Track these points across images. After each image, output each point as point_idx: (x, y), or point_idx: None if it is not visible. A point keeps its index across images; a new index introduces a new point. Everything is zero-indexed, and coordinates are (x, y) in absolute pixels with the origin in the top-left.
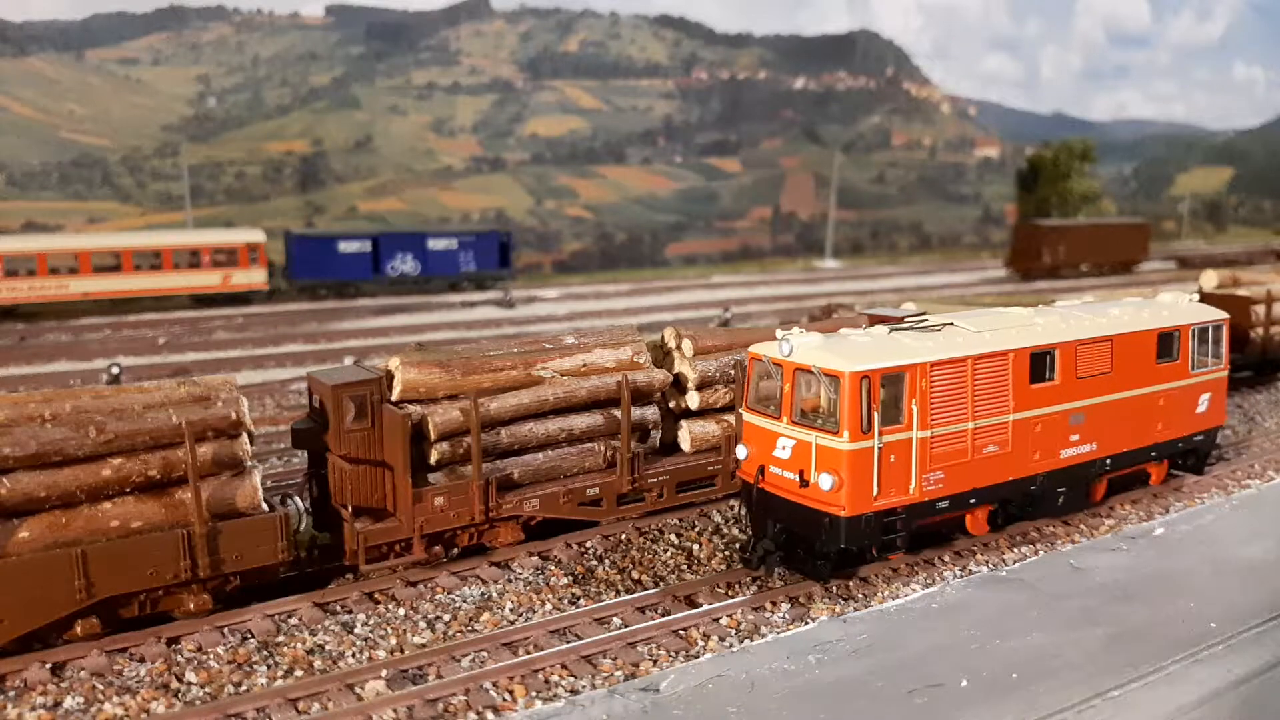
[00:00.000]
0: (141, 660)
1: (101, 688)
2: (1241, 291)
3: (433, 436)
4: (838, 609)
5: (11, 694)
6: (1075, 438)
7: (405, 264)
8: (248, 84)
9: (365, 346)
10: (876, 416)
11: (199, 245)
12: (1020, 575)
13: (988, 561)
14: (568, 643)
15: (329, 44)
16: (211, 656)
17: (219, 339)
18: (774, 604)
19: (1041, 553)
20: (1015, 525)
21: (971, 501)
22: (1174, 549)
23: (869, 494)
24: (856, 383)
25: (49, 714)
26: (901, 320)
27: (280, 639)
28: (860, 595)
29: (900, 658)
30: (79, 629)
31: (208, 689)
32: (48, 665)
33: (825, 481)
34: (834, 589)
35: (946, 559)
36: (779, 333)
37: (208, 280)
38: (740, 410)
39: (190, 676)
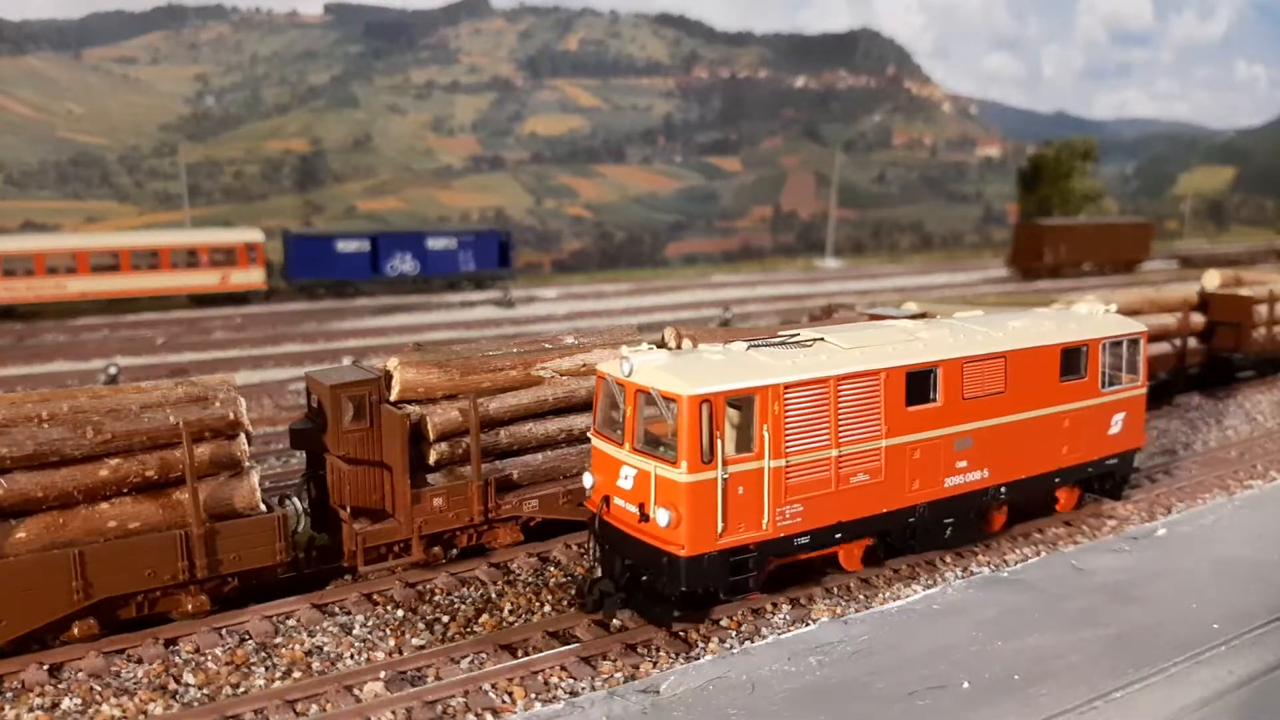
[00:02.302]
0: (139, 661)
1: (99, 689)
2: (1244, 291)
3: (431, 437)
4: (838, 610)
5: (9, 695)
6: (962, 464)
7: (404, 263)
8: (246, 83)
9: (364, 346)
10: (720, 444)
11: (197, 245)
12: (1022, 576)
13: (989, 562)
14: (567, 644)
15: (327, 43)
16: (209, 658)
17: (217, 339)
18: (774, 605)
19: (1043, 553)
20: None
21: (838, 536)
22: (1176, 550)
23: (712, 531)
24: (696, 407)
25: (46, 715)
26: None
27: (278, 640)
28: (861, 596)
29: (901, 659)
30: (76, 630)
31: (206, 690)
32: (45, 666)
33: (662, 517)
34: (834, 589)
35: (948, 560)
36: (624, 349)
37: (206, 280)
38: (590, 434)
39: (188, 678)
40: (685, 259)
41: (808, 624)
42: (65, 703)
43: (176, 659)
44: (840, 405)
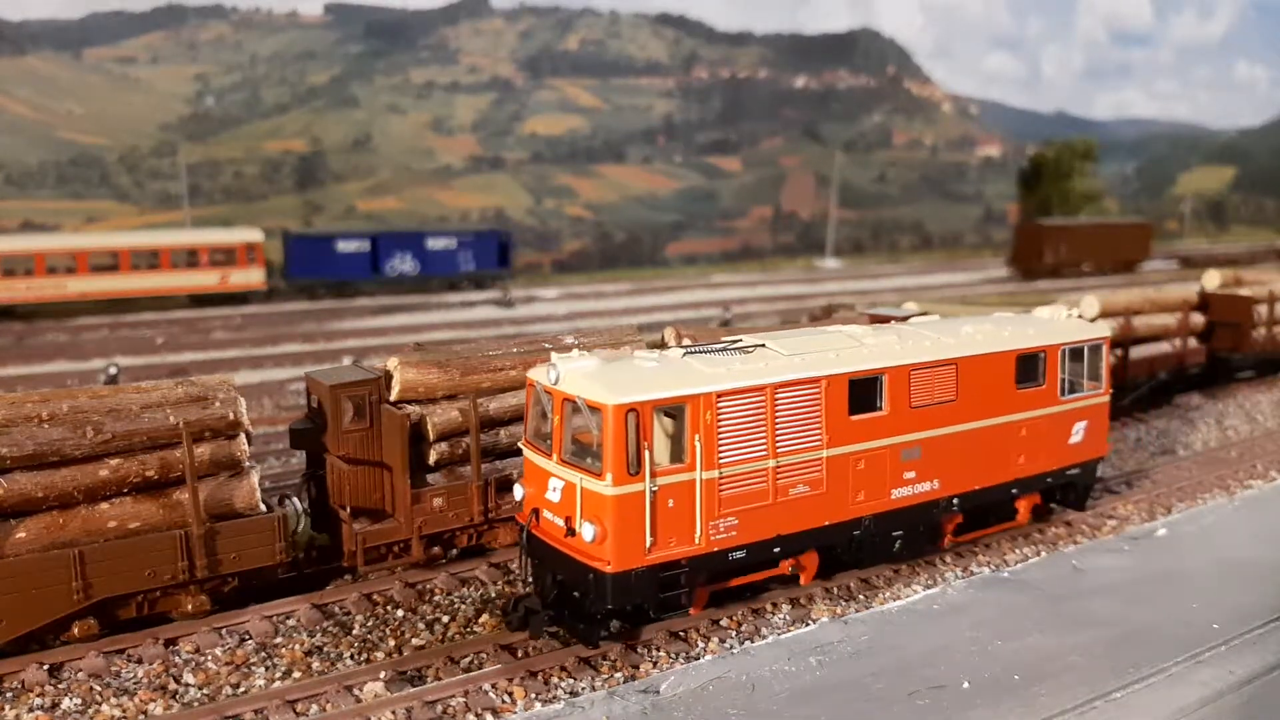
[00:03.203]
0: (139, 661)
1: (99, 689)
2: (1244, 291)
3: (431, 437)
4: (839, 610)
5: (9, 695)
6: (910, 475)
7: (404, 263)
8: (246, 83)
9: (364, 346)
10: (649, 455)
11: (197, 245)
12: (1022, 576)
13: (989, 562)
14: (566, 644)
15: (327, 43)
16: (209, 658)
17: (217, 339)
18: (775, 605)
19: (1044, 554)
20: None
21: (776, 550)
22: (1176, 550)
23: (639, 545)
24: (621, 417)
25: (46, 715)
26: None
27: (278, 640)
28: (861, 596)
29: (901, 659)
30: (76, 630)
31: (206, 690)
32: (45, 666)
33: (588, 531)
34: (835, 589)
35: (948, 560)
36: (554, 355)
37: (206, 280)
38: (521, 444)
39: (188, 678)
40: (685, 259)
41: (808, 624)
42: (65, 703)
43: (176, 659)
44: (778, 414)
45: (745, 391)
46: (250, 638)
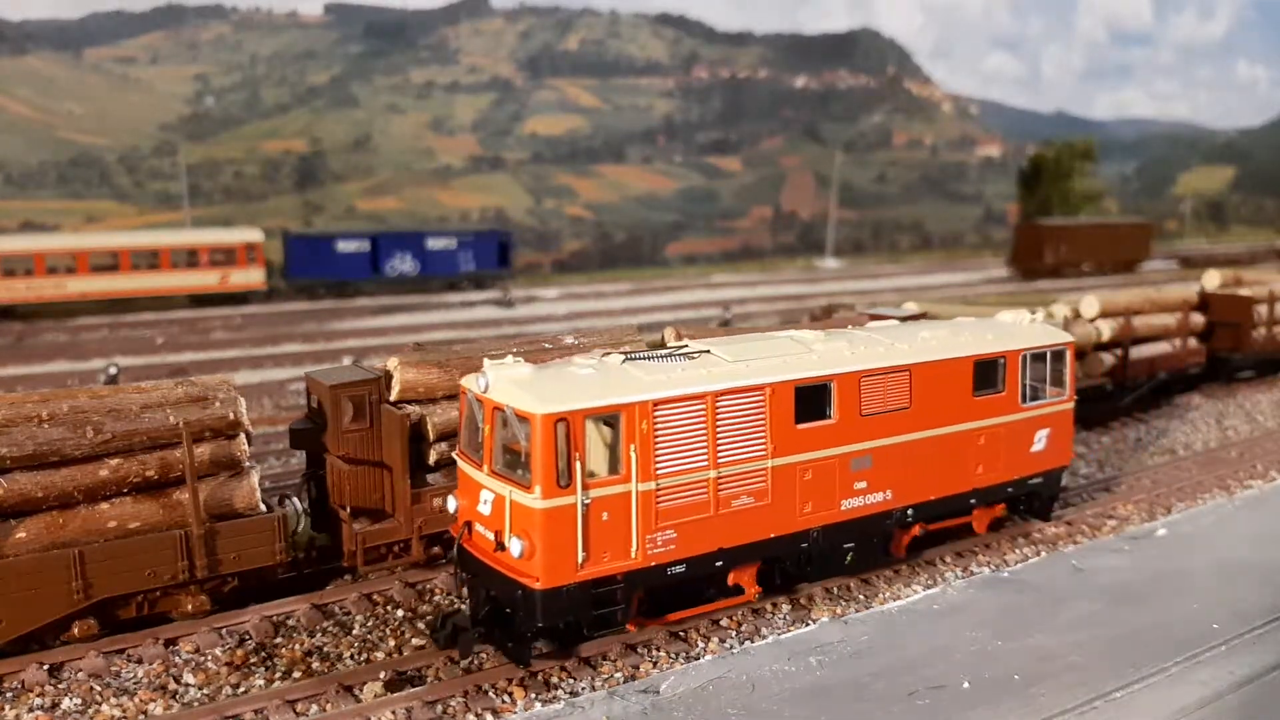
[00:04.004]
0: (139, 661)
1: (99, 689)
2: (1244, 291)
3: (431, 437)
4: (839, 610)
5: (9, 695)
6: (861, 485)
7: (404, 263)
8: (246, 83)
9: (363, 346)
10: (580, 466)
11: (197, 245)
12: (1022, 576)
13: (989, 562)
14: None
15: (327, 42)
16: (209, 658)
17: (217, 339)
18: (775, 605)
19: (1043, 554)
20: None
21: (719, 564)
22: (1176, 550)
23: (571, 561)
24: (550, 427)
25: (46, 715)
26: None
27: (278, 640)
28: (861, 596)
29: (902, 659)
30: (76, 630)
31: (206, 690)
32: (45, 666)
33: (515, 546)
34: (835, 590)
35: (948, 560)
36: (486, 361)
37: (206, 280)
38: (455, 454)
39: (188, 678)
40: (685, 259)
41: (808, 624)
42: (65, 703)
43: (176, 659)
44: (719, 423)
45: (684, 399)
46: (250, 638)
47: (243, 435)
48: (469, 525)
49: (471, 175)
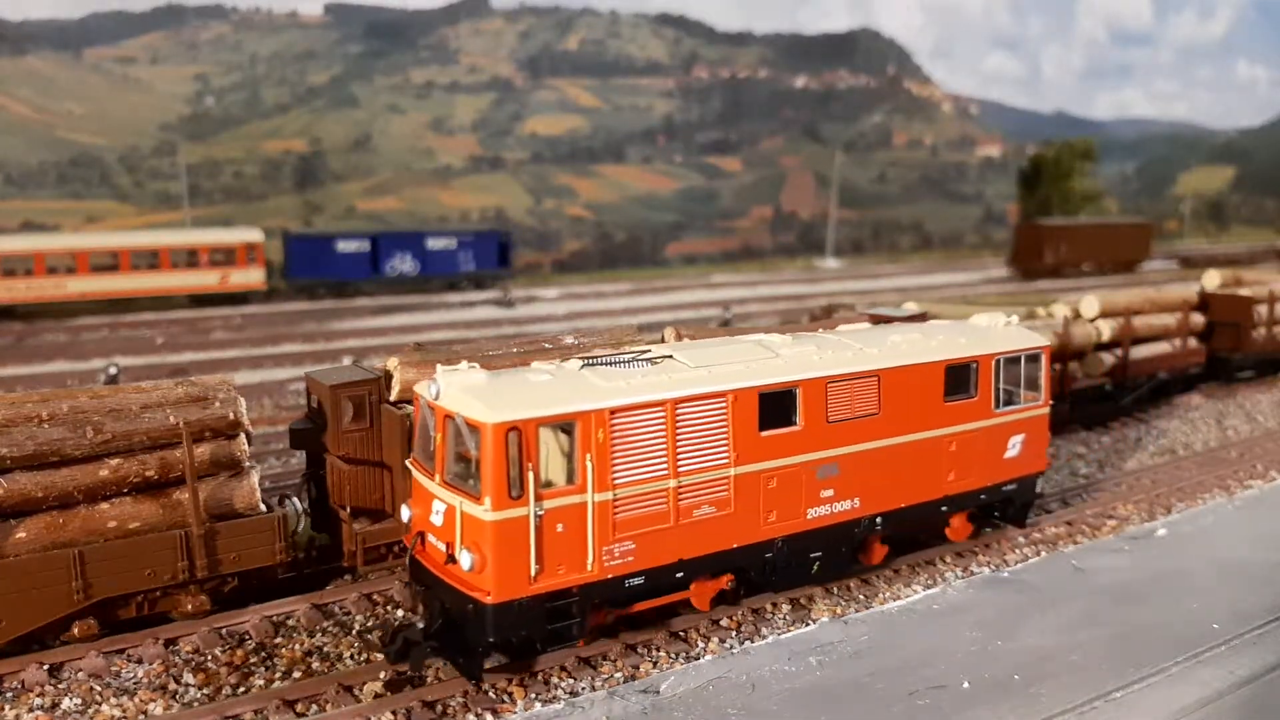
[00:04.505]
0: (139, 662)
1: (99, 689)
2: (1244, 291)
3: None
4: (839, 610)
5: (9, 695)
6: (828, 493)
7: (404, 263)
8: (246, 83)
9: (363, 346)
10: (533, 477)
11: (197, 245)
12: (1022, 576)
13: (989, 563)
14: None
15: (327, 42)
16: (209, 658)
17: (217, 339)
18: (775, 606)
19: (1043, 554)
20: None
21: (679, 576)
22: (1176, 550)
23: (524, 574)
24: (501, 437)
25: (46, 715)
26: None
27: (278, 640)
28: (861, 596)
29: (902, 659)
30: (76, 630)
31: (205, 690)
32: (45, 666)
33: (465, 559)
34: (834, 590)
35: (948, 559)
36: (439, 368)
37: (206, 280)
38: (408, 463)
39: (188, 678)
40: (685, 259)
41: (808, 624)
42: (65, 703)
43: (176, 659)
44: (680, 431)
45: (643, 407)
46: (250, 638)
47: (243, 435)
48: (422, 536)
49: (471, 175)
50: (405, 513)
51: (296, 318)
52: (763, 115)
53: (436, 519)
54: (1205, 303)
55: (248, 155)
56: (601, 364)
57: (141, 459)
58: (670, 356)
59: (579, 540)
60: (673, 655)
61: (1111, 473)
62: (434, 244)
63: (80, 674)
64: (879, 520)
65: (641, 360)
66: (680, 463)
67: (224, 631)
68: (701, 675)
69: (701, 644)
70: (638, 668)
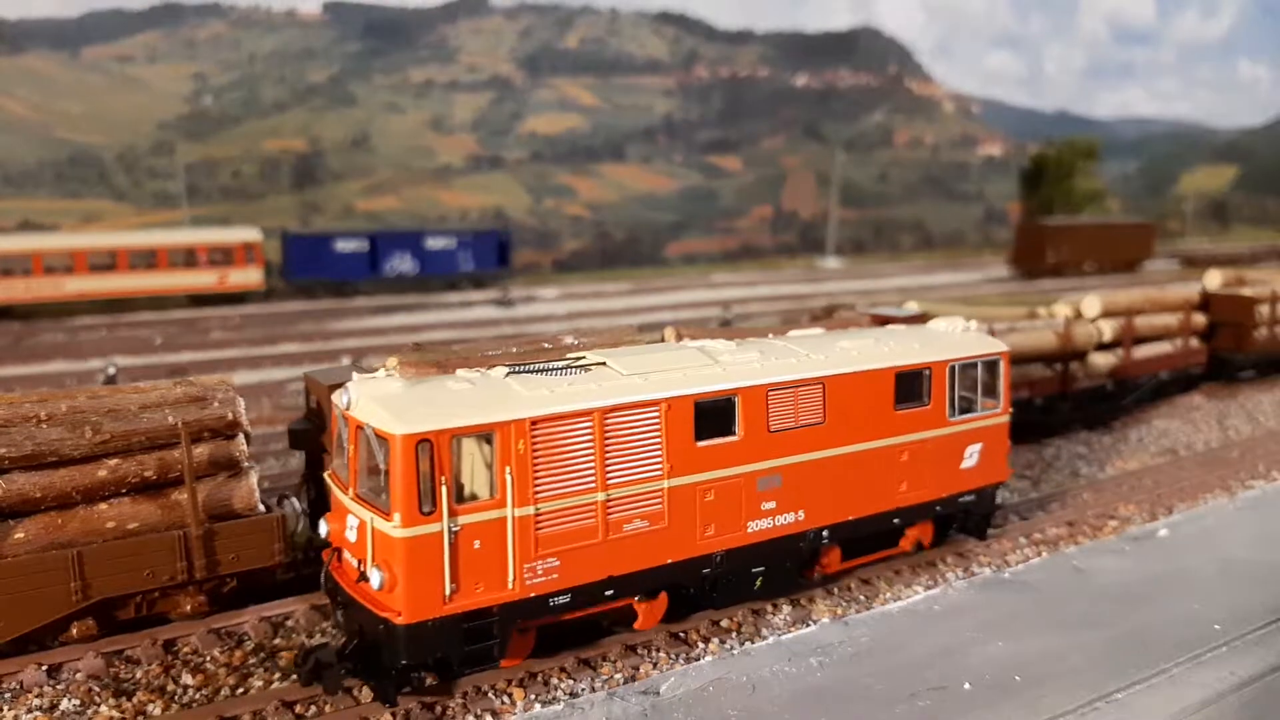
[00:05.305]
0: (138, 662)
1: (98, 690)
2: (1246, 291)
3: None
4: (839, 611)
5: (8, 696)
6: (770, 506)
7: (403, 263)
8: (244, 81)
9: (362, 346)
10: (445, 491)
11: (195, 244)
12: (1023, 577)
13: (990, 563)
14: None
15: (326, 41)
16: (208, 659)
17: (215, 339)
18: (775, 606)
19: (1044, 555)
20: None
21: (609, 593)
22: (1178, 550)
23: (438, 593)
24: (411, 449)
25: (45, 716)
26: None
27: (277, 641)
28: (862, 597)
29: (902, 660)
30: (75, 631)
31: (204, 691)
32: (44, 667)
33: (375, 578)
34: (835, 590)
35: (949, 560)
36: (354, 374)
37: (204, 280)
38: (326, 475)
39: (186, 679)
40: (685, 259)
41: (808, 625)
42: (64, 703)
43: (175, 660)
44: (608, 441)
45: (567, 417)
46: (249, 638)
47: (241, 435)
48: (338, 552)
49: (471, 174)
50: (323, 527)
51: (295, 318)
52: (763, 114)
53: (350, 535)
54: (1207, 303)
55: (246, 154)
56: (530, 371)
57: (140, 459)
58: (604, 364)
59: (498, 557)
60: (673, 656)
61: (1113, 473)
62: (433, 244)
63: (79, 675)
64: (825, 533)
65: (575, 367)
66: (609, 475)
67: (223, 632)
68: (702, 676)
69: (702, 645)
70: (638, 669)
